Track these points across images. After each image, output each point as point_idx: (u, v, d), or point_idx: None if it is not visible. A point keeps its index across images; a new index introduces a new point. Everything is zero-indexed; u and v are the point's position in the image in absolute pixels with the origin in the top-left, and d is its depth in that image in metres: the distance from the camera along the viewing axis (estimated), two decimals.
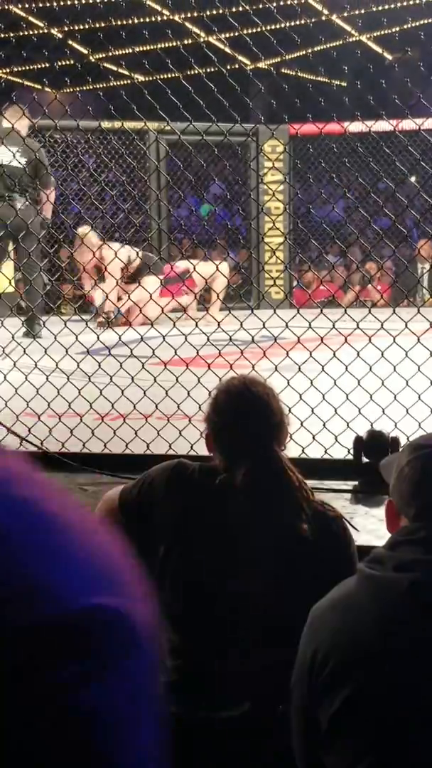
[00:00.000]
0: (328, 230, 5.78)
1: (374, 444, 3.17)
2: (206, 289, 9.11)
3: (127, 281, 8.47)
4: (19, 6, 12.46)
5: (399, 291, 8.58)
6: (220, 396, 2.45)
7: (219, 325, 3.92)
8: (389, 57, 12.06)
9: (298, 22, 10.22)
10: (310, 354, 3.62)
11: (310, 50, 10.75)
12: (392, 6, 11.64)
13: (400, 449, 2.41)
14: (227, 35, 10.19)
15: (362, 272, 9.98)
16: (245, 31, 5.29)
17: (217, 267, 8.58)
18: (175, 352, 3.91)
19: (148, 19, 11.48)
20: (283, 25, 9.36)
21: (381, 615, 1.75)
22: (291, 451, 3.08)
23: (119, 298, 8.04)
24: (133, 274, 8.49)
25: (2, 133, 6.96)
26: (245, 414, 2.40)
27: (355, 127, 7.97)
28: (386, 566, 1.79)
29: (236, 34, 8.81)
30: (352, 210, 10.14)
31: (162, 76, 4.32)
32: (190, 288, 8.28)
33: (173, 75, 4.29)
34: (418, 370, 3.64)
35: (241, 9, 6.31)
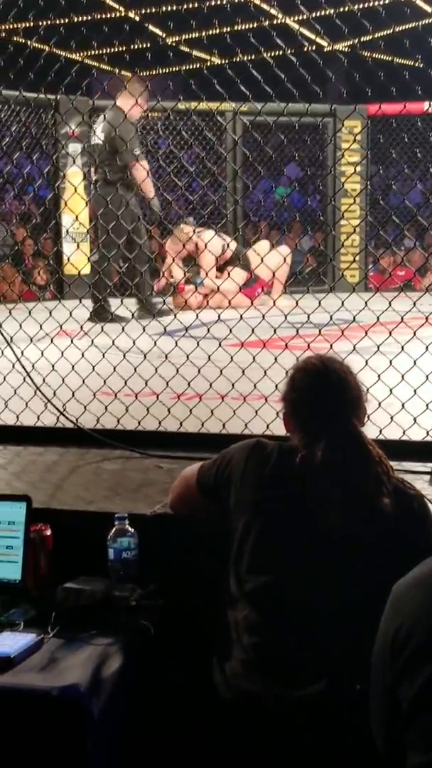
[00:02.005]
0: (411, 207, 5.71)
1: None
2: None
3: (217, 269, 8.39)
4: None
5: None
6: (297, 374, 2.45)
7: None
8: None
9: (373, 3, 10.10)
10: (390, 333, 3.57)
11: (386, 32, 10.59)
12: None
13: None
14: (305, 16, 10.10)
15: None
16: (324, 12, 5.23)
17: (285, 258, 8.44)
18: (253, 331, 3.89)
19: (222, 2, 11.43)
20: (360, 6, 9.29)
21: None
22: (369, 432, 3.05)
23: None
24: (224, 265, 8.41)
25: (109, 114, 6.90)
26: (322, 390, 2.39)
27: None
28: None
29: (314, 14, 8.75)
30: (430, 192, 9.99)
31: (238, 58, 4.29)
32: (264, 288, 8.27)
33: (250, 57, 4.26)
34: None
35: None
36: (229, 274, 7.39)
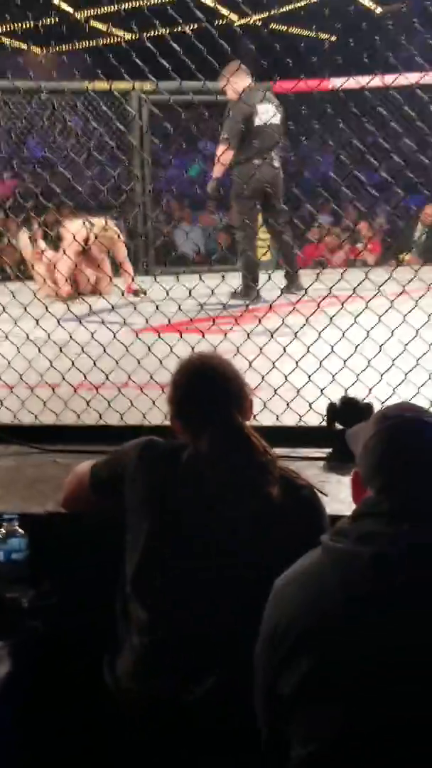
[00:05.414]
0: (334, 179, 6.02)
1: (348, 411, 3.12)
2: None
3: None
4: None
5: (390, 250, 8.53)
6: (176, 374, 2.47)
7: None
8: (379, 10, 11.84)
9: None
10: (283, 321, 3.57)
11: (299, 4, 10.59)
12: None
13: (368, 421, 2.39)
14: None
15: (352, 231, 9.89)
16: None
17: (118, 234, 8.23)
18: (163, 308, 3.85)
19: None
20: None
21: (343, 588, 1.74)
22: (265, 419, 3.05)
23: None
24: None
25: (260, 92, 7.30)
26: (201, 384, 2.42)
27: (342, 82, 7.85)
28: (349, 538, 1.79)
29: None
30: (343, 167, 10.01)
31: (149, 34, 4.23)
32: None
33: (160, 32, 4.20)
34: (392, 335, 3.59)
35: None
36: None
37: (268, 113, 7.26)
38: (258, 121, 7.26)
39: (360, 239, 10.44)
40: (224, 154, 7.18)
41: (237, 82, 6.86)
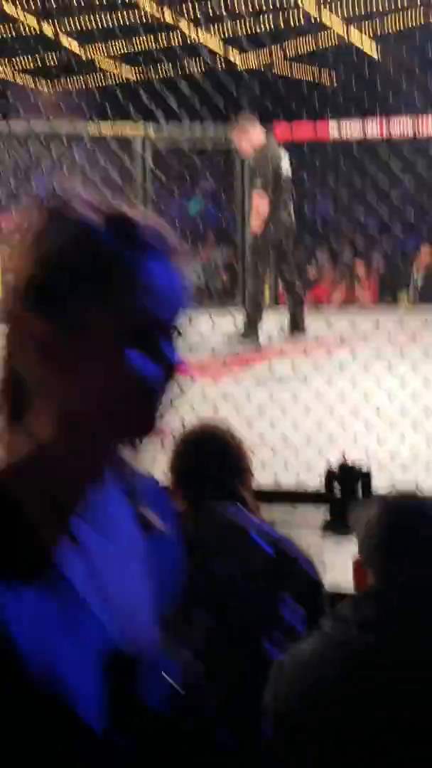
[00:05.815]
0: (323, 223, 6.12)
1: (345, 476, 3.16)
2: None
3: None
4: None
5: (385, 291, 8.58)
6: (180, 445, 2.46)
7: None
8: (377, 56, 11.89)
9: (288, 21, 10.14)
10: (271, 372, 3.59)
11: (300, 49, 10.66)
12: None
13: (369, 502, 2.40)
14: (218, 33, 10.13)
15: (349, 272, 9.96)
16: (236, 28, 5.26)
17: None
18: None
19: (138, 16, 11.39)
20: (272, 25, 9.31)
21: (342, 674, 1.76)
22: (264, 477, 3.06)
23: None
24: None
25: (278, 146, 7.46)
26: (202, 456, 2.42)
27: (339, 130, 7.99)
28: (350, 625, 1.80)
29: (227, 32, 8.77)
30: (343, 209, 10.10)
31: (154, 76, 4.30)
32: None
33: (166, 75, 4.27)
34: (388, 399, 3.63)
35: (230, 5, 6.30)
36: None
37: (288, 163, 7.44)
38: (283, 171, 7.42)
39: (357, 280, 10.50)
40: (261, 206, 7.23)
41: (255, 134, 7.08)
